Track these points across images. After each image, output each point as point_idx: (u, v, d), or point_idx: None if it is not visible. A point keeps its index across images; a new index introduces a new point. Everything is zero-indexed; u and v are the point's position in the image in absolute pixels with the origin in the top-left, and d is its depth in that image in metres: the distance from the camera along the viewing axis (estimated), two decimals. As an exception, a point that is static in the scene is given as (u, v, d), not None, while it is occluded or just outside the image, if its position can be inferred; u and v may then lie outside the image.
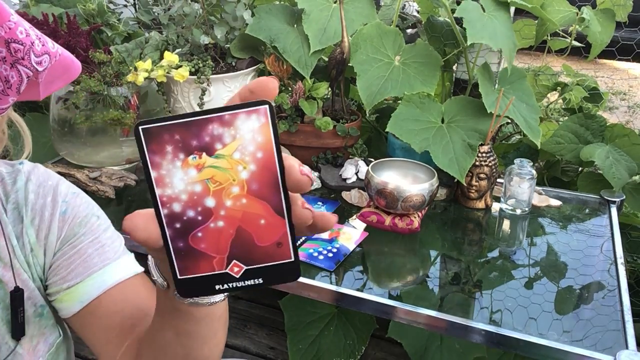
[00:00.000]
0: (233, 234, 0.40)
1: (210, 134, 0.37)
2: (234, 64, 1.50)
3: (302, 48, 1.46)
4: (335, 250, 1.17)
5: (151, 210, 0.39)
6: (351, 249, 1.18)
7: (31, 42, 0.53)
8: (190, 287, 0.41)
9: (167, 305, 0.53)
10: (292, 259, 0.41)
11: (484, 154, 1.32)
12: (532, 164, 1.33)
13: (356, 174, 1.46)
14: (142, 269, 0.76)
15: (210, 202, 0.39)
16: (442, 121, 1.39)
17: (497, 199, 1.40)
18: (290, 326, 1.69)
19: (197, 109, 1.43)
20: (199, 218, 0.39)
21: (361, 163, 1.47)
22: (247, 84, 1.40)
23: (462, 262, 1.17)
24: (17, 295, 0.70)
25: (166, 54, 1.39)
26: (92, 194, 1.36)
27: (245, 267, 0.41)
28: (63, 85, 0.62)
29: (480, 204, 1.37)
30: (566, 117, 1.59)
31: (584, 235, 1.28)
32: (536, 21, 1.57)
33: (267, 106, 0.37)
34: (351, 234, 1.23)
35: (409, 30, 1.91)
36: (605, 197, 1.41)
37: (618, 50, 1.72)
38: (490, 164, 1.32)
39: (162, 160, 0.38)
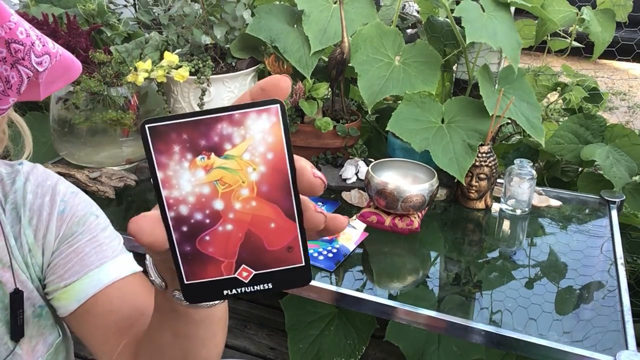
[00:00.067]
0: (242, 238, 0.38)
1: (219, 133, 0.36)
2: (234, 64, 1.50)
3: (303, 48, 1.46)
4: (335, 250, 1.17)
5: (157, 213, 0.38)
6: (351, 249, 1.18)
7: (31, 43, 0.53)
8: (197, 293, 0.40)
9: (165, 306, 0.51)
10: (303, 264, 0.40)
11: (484, 154, 1.32)
12: (532, 164, 1.33)
13: (356, 174, 1.46)
14: (140, 268, 0.76)
15: (218, 205, 0.37)
16: (442, 121, 1.39)
17: (497, 199, 1.40)
18: (291, 326, 1.69)
19: (197, 109, 1.43)
20: (207, 221, 0.38)
21: (361, 163, 1.47)
22: (248, 83, 1.39)
23: (462, 263, 1.17)
24: (16, 297, 0.70)
25: (166, 54, 1.39)
26: (92, 194, 1.36)
27: (254, 272, 0.39)
28: (63, 86, 0.62)
29: (480, 205, 1.37)
30: (566, 118, 1.59)
31: (584, 236, 1.28)
32: (536, 21, 1.57)
33: (278, 105, 0.36)
34: (351, 234, 1.23)
35: (408, 31, 1.91)
36: (605, 198, 1.41)
37: (618, 50, 1.72)
38: (490, 164, 1.32)
39: (169, 161, 0.36)
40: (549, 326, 0.97)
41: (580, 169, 1.61)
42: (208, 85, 1.41)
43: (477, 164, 1.31)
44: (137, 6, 1.93)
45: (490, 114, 1.32)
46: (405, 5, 1.96)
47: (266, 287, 0.40)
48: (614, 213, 1.36)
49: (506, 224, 1.34)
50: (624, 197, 1.42)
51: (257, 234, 0.38)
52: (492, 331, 0.95)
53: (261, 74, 1.63)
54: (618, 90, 4.21)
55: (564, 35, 1.64)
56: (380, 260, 1.19)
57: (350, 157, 1.54)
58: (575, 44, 1.63)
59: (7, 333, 0.70)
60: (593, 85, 1.65)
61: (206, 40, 1.45)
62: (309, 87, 1.48)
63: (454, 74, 1.67)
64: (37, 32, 0.54)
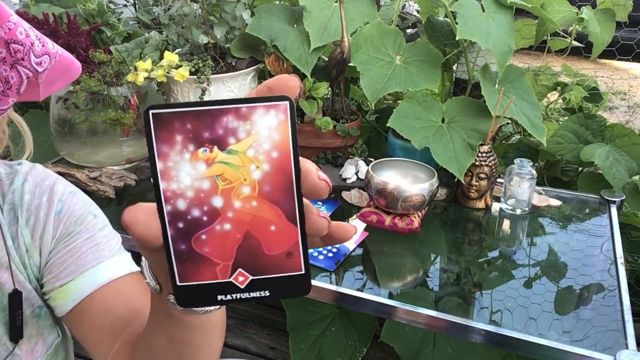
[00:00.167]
0: (240, 239, 0.36)
1: (224, 126, 0.34)
2: (234, 63, 1.50)
3: (303, 47, 1.45)
4: (335, 250, 1.17)
5: (154, 205, 0.36)
6: (351, 249, 1.18)
7: (31, 43, 0.53)
8: (190, 296, 0.38)
9: (160, 310, 0.50)
10: (303, 272, 0.38)
11: (484, 154, 1.32)
12: (532, 164, 1.33)
13: (356, 174, 1.46)
14: (137, 268, 0.75)
15: (217, 202, 0.35)
16: (443, 121, 1.39)
17: (497, 199, 1.40)
18: (292, 325, 1.69)
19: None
20: (205, 219, 0.36)
21: (361, 163, 1.47)
22: (248, 82, 1.38)
23: (462, 262, 1.17)
24: (15, 298, 0.70)
25: (166, 53, 1.39)
26: (92, 194, 1.36)
27: (251, 277, 0.37)
28: (63, 86, 0.62)
29: (480, 204, 1.37)
30: (566, 117, 1.59)
31: (584, 235, 1.28)
32: (536, 21, 1.57)
33: (287, 102, 0.35)
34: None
35: (409, 30, 1.91)
36: (605, 197, 1.41)
37: (618, 50, 1.72)
38: (490, 164, 1.32)
39: (170, 151, 0.34)
40: (549, 326, 0.97)
41: (580, 168, 1.61)
42: (208, 84, 1.41)
43: (477, 163, 1.31)
44: (137, 6, 1.93)
45: (493, 114, 1.32)
46: (405, 4, 1.96)
47: (263, 294, 0.38)
48: (614, 213, 1.36)
49: (506, 224, 1.34)
50: (624, 196, 1.42)
51: (256, 236, 0.36)
52: (492, 331, 0.95)
53: (261, 74, 1.63)
54: (618, 90, 4.21)
55: (564, 35, 1.64)
56: (380, 259, 1.19)
57: (350, 156, 1.54)
58: (575, 43, 1.63)
59: (6, 334, 0.70)
60: (593, 85, 1.65)
61: (206, 40, 1.45)
62: (309, 87, 1.48)
63: (454, 74, 1.67)
64: (37, 32, 0.54)
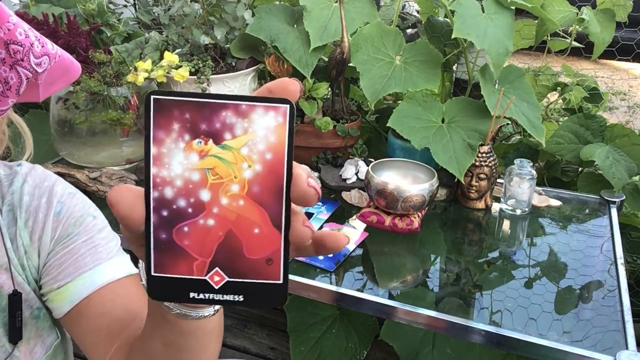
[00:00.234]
0: (222, 237, 0.36)
1: (222, 120, 0.34)
2: (234, 64, 1.50)
3: (303, 47, 1.45)
4: (335, 250, 1.17)
5: (142, 189, 0.36)
6: (351, 249, 1.18)
7: (30, 44, 0.53)
8: (162, 289, 0.37)
9: (156, 314, 0.50)
10: (281, 281, 0.37)
11: (484, 154, 1.32)
12: (532, 164, 1.33)
13: (356, 174, 1.46)
14: (136, 270, 0.75)
15: (205, 195, 0.35)
16: (443, 121, 1.39)
17: (497, 199, 1.40)
18: (293, 327, 1.69)
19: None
20: (189, 210, 0.35)
21: (361, 163, 1.47)
22: (248, 82, 1.38)
23: (462, 263, 1.17)
24: (15, 299, 0.70)
25: (166, 54, 1.39)
26: (92, 194, 1.36)
27: (227, 279, 0.37)
28: (63, 87, 0.62)
29: (480, 204, 1.37)
30: (566, 117, 1.59)
31: (584, 236, 1.28)
32: (536, 21, 1.57)
33: (288, 106, 0.35)
34: (351, 234, 1.23)
35: (409, 30, 1.91)
36: (605, 198, 1.41)
37: (618, 50, 1.72)
38: (490, 164, 1.32)
39: (166, 137, 0.35)
40: (549, 326, 0.97)
41: (580, 169, 1.61)
42: (208, 85, 1.41)
43: (477, 163, 1.31)
44: (137, 6, 1.93)
45: (492, 114, 1.32)
46: (405, 5, 1.96)
47: (237, 299, 0.37)
48: (614, 213, 1.36)
49: (506, 224, 1.34)
50: (624, 197, 1.42)
51: (238, 236, 0.36)
52: (492, 331, 0.95)
53: (261, 74, 1.63)
54: (618, 90, 4.21)
55: (564, 35, 1.64)
56: (380, 260, 1.19)
57: (350, 157, 1.54)
58: (575, 44, 1.63)
59: (5, 335, 0.70)
60: (593, 85, 1.65)
61: (206, 40, 1.45)
62: (309, 87, 1.48)
63: (454, 74, 1.67)
64: (36, 33, 0.54)
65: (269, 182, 0.35)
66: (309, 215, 1.31)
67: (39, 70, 0.54)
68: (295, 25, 1.51)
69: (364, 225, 1.28)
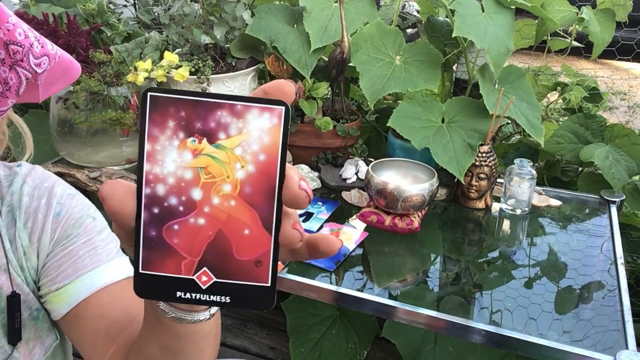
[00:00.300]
0: (211, 237, 0.36)
1: (217, 120, 0.34)
2: (234, 64, 1.50)
3: (302, 48, 1.45)
4: (335, 250, 1.17)
5: (134, 185, 0.36)
6: (351, 249, 1.18)
7: (30, 44, 0.52)
8: (149, 286, 0.37)
9: (151, 317, 0.49)
10: (269, 284, 0.37)
11: (484, 154, 1.32)
12: (532, 164, 1.33)
13: (356, 174, 1.46)
14: None
15: (196, 194, 0.35)
16: (443, 121, 1.39)
17: (497, 199, 1.40)
18: (293, 328, 1.69)
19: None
20: (180, 209, 0.35)
21: (361, 163, 1.47)
22: (248, 82, 1.38)
23: (462, 262, 1.17)
24: (13, 300, 0.69)
25: (166, 54, 1.39)
26: (92, 194, 1.36)
27: (214, 279, 0.36)
28: (62, 87, 0.62)
29: (480, 204, 1.37)
30: (566, 117, 1.59)
31: (584, 235, 1.28)
32: (536, 21, 1.57)
33: (283, 108, 0.35)
34: (351, 234, 1.23)
35: (409, 30, 1.91)
36: (605, 197, 1.41)
37: (618, 50, 1.72)
38: (490, 164, 1.32)
39: (161, 135, 0.35)
40: (549, 326, 0.97)
41: (580, 168, 1.61)
42: (208, 85, 1.41)
43: (477, 163, 1.31)
44: (137, 6, 1.93)
45: (490, 113, 1.32)
46: (405, 4, 1.96)
47: (223, 300, 0.37)
48: (614, 213, 1.36)
49: (506, 224, 1.34)
50: (624, 196, 1.42)
51: (228, 237, 0.36)
52: (492, 331, 0.95)
53: (261, 74, 1.63)
54: (618, 90, 4.21)
55: (564, 35, 1.64)
56: (380, 260, 1.19)
57: (350, 156, 1.54)
58: (575, 43, 1.63)
59: (4, 336, 0.70)
60: (593, 85, 1.65)
61: (206, 40, 1.45)
62: (309, 87, 1.48)
63: (454, 74, 1.67)
64: (36, 33, 0.54)
65: (261, 183, 0.35)
66: (309, 215, 1.31)
67: (39, 71, 0.54)
68: (295, 26, 1.50)
69: (364, 225, 1.28)
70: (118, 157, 1.48)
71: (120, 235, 0.39)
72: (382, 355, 1.92)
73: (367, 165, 1.37)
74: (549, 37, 1.61)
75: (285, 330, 1.70)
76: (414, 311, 1.00)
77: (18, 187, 0.73)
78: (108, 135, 1.43)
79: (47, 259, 0.73)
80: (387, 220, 1.26)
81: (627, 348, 0.90)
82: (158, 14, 1.50)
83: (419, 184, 1.23)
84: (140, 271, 0.36)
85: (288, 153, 1.50)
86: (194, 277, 0.36)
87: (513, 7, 1.40)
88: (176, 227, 0.36)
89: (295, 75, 1.53)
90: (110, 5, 1.78)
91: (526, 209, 1.35)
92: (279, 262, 0.39)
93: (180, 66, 1.38)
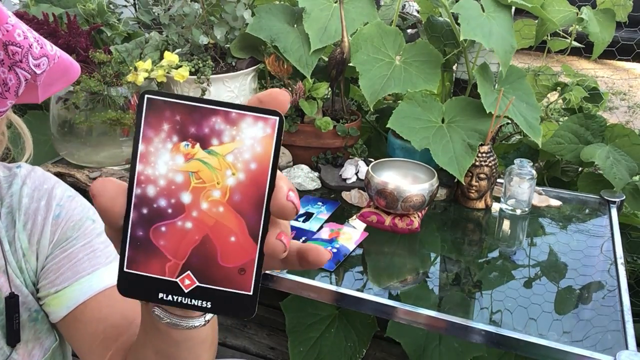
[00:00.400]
0: (197, 242, 0.36)
1: (211, 126, 0.35)
2: (234, 64, 1.50)
3: (303, 47, 1.45)
4: (335, 250, 1.17)
5: (125, 184, 0.36)
6: (351, 249, 1.18)
7: (29, 45, 0.52)
8: (132, 286, 0.37)
9: (147, 322, 0.49)
10: (251, 293, 0.37)
11: (484, 154, 1.32)
12: (532, 164, 1.33)
13: (356, 174, 1.46)
14: None
15: (186, 198, 0.36)
16: (443, 121, 1.39)
17: (497, 199, 1.40)
18: (291, 328, 1.69)
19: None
20: (169, 211, 0.36)
21: (361, 163, 1.47)
22: (248, 82, 1.38)
23: (462, 262, 1.17)
24: (12, 301, 0.69)
25: (166, 54, 1.39)
26: (92, 194, 1.36)
27: (197, 283, 0.37)
28: (62, 88, 0.62)
29: (480, 204, 1.37)
30: (566, 117, 1.59)
31: (584, 236, 1.28)
32: (536, 21, 1.57)
33: (277, 118, 0.35)
34: (351, 234, 1.23)
35: (409, 30, 1.91)
36: (605, 198, 1.41)
37: (618, 50, 1.72)
38: (490, 164, 1.32)
39: (155, 137, 0.35)
40: (549, 326, 0.97)
41: (580, 168, 1.61)
42: (208, 85, 1.41)
43: (477, 163, 1.31)
44: (137, 6, 1.93)
45: (487, 112, 1.32)
46: (405, 4, 1.96)
47: (204, 305, 0.37)
48: (614, 213, 1.36)
49: (506, 224, 1.34)
50: (624, 197, 1.42)
51: (214, 242, 0.36)
52: (492, 331, 0.95)
53: (261, 74, 1.63)
54: (618, 90, 4.21)
55: (564, 35, 1.64)
56: (380, 260, 1.19)
57: (350, 157, 1.54)
58: (575, 43, 1.63)
59: (3, 338, 0.70)
60: (593, 85, 1.65)
61: (206, 40, 1.45)
62: (309, 87, 1.48)
63: (454, 74, 1.67)
64: (35, 34, 0.54)
65: (250, 191, 0.36)
66: (310, 215, 1.31)
67: (38, 72, 0.54)
68: (295, 25, 1.50)
69: (364, 225, 1.28)
70: (118, 157, 1.48)
71: (108, 233, 0.39)
72: (382, 355, 1.92)
73: (367, 165, 1.37)
74: (549, 37, 1.61)
75: (285, 330, 1.70)
76: (414, 311, 1.00)
77: (18, 188, 0.73)
78: (108, 135, 1.43)
79: (46, 261, 0.72)
80: (387, 220, 1.26)
81: (627, 348, 0.90)
82: (158, 14, 1.50)
83: (419, 184, 1.23)
84: (125, 270, 0.37)
85: (288, 153, 1.51)
86: (177, 280, 0.37)
87: (511, 5, 1.40)
88: (163, 229, 0.36)
89: (295, 75, 1.53)
90: (110, 6, 1.78)
91: (526, 209, 1.35)
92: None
93: (180, 66, 1.38)
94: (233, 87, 1.46)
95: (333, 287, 1.06)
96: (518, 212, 1.35)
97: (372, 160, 1.40)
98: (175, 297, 0.37)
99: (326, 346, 1.67)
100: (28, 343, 0.72)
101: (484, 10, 1.37)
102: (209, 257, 0.36)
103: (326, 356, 1.65)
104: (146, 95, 0.35)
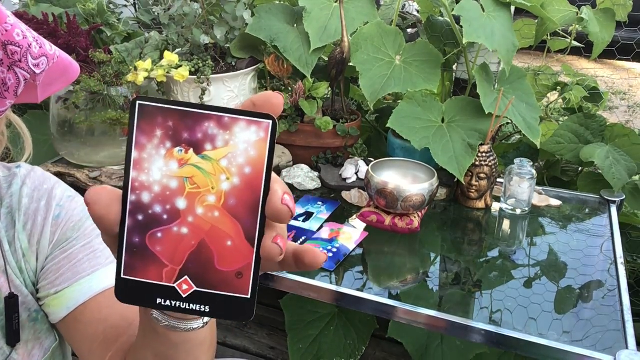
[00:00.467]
0: (194, 247, 0.36)
1: (204, 131, 0.35)
2: (234, 63, 1.50)
3: (303, 47, 1.45)
4: (335, 250, 1.17)
5: (120, 192, 0.36)
6: (351, 249, 1.18)
7: (28, 45, 0.52)
8: (130, 292, 0.37)
9: (146, 324, 0.49)
10: (249, 296, 0.37)
11: (484, 154, 1.32)
12: (532, 163, 1.33)
13: (356, 174, 1.46)
14: None
15: (181, 204, 0.36)
16: (443, 121, 1.39)
17: (497, 199, 1.40)
18: (291, 325, 1.69)
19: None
20: (165, 217, 0.36)
21: (361, 163, 1.47)
22: (248, 82, 1.38)
23: (462, 262, 1.17)
24: (11, 302, 0.69)
25: (166, 53, 1.39)
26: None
27: (195, 288, 0.37)
28: (61, 88, 0.61)
29: (480, 204, 1.37)
30: (566, 117, 1.59)
31: (584, 235, 1.28)
32: (536, 21, 1.57)
33: (270, 122, 0.35)
34: (351, 234, 1.23)
35: (409, 30, 1.91)
36: (605, 197, 1.41)
37: (618, 50, 1.71)
38: (490, 164, 1.32)
39: (148, 143, 0.35)
40: (549, 326, 0.97)
41: (580, 168, 1.61)
42: (208, 84, 1.41)
43: (477, 163, 1.31)
44: (137, 6, 1.93)
45: (487, 112, 1.32)
46: (405, 4, 1.96)
47: (202, 309, 0.37)
48: (614, 212, 1.36)
49: (506, 224, 1.34)
50: (624, 196, 1.42)
51: (210, 247, 0.36)
52: (492, 331, 0.95)
53: (261, 74, 1.63)
54: (618, 90, 4.21)
55: (564, 34, 1.64)
56: (380, 259, 1.19)
57: (350, 156, 1.54)
58: (575, 43, 1.63)
59: (3, 338, 0.70)
60: (593, 84, 1.65)
61: (206, 40, 1.45)
62: (309, 87, 1.48)
63: (454, 74, 1.67)
64: (34, 33, 0.54)
65: (245, 196, 0.36)
66: (310, 215, 1.31)
67: (37, 72, 0.54)
68: (295, 25, 1.50)
69: (364, 225, 1.28)
70: (118, 157, 1.48)
71: (104, 240, 0.39)
72: (383, 355, 1.92)
73: (367, 165, 1.37)
74: (549, 37, 1.61)
75: (285, 330, 1.70)
76: (414, 311, 1.00)
77: (17, 188, 0.73)
78: (108, 135, 1.43)
79: (46, 261, 0.72)
80: (387, 220, 1.26)
81: (627, 348, 0.90)
82: (158, 14, 1.50)
83: (419, 184, 1.23)
84: (122, 276, 0.37)
85: (288, 153, 1.51)
86: (175, 285, 0.37)
87: (510, 4, 1.40)
88: (159, 234, 0.36)
89: (295, 75, 1.53)
90: (110, 5, 1.78)
91: (526, 208, 1.35)
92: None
93: (180, 66, 1.38)
94: (233, 87, 1.46)
95: (333, 287, 1.06)
96: (518, 211, 1.35)
97: (372, 160, 1.40)
98: (173, 302, 0.37)
99: (326, 343, 1.67)
100: (28, 343, 0.72)
101: (484, 10, 1.37)
102: (206, 261, 0.37)
103: (326, 353, 1.66)
104: (138, 102, 0.35)
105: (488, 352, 1.52)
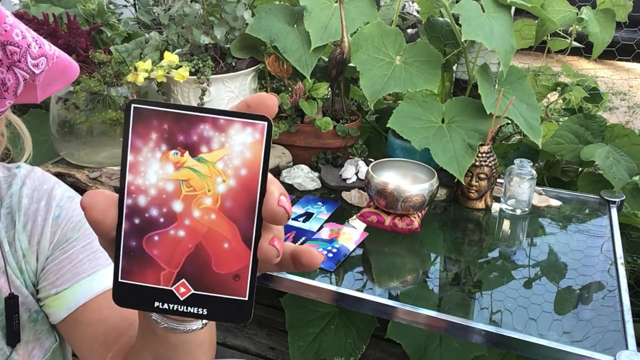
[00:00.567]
0: (191, 250, 0.36)
1: (199, 133, 0.35)
2: (234, 64, 1.50)
3: (303, 47, 1.46)
4: (335, 250, 1.17)
5: (116, 195, 0.36)
6: (351, 249, 1.18)
7: (27, 45, 0.52)
8: (128, 296, 0.37)
9: (145, 326, 0.49)
10: (246, 299, 0.37)
11: (484, 154, 1.32)
12: (532, 164, 1.33)
13: (356, 174, 1.46)
14: None
15: (177, 207, 0.36)
16: (443, 121, 1.39)
17: (497, 199, 1.40)
18: (291, 324, 1.69)
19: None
20: (161, 220, 0.36)
21: (361, 163, 1.47)
22: (248, 82, 1.38)
23: (462, 262, 1.17)
24: (11, 302, 0.69)
25: (166, 54, 1.39)
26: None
27: (192, 291, 0.37)
28: (61, 88, 0.61)
29: (480, 204, 1.36)
30: (566, 118, 1.59)
31: (584, 236, 1.28)
32: (536, 21, 1.57)
33: (265, 123, 0.35)
34: (351, 234, 1.23)
35: (409, 30, 1.91)
36: (605, 198, 1.41)
37: (618, 50, 1.71)
38: (490, 164, 1.32)
39: (143, 146, 0.35)
40: (549, 326, 0.97)
41: (580, 169, 1.61)
42: (208, 85, 1.41)
43: (477, 163, 1.31)
44: (137, 6, 1.93)
45: (488, 113, 1.32)
46: (405, 4, 1.96)
47: (200, 312, 0.37)
48: (614, 213, 1.36)
49: (506, 224, 1.34)
50: (624, 196, 1.42)
51: (207, 250, 0.36)
52: (492, 331, 0.95)
53: (261, 74, 1.63)
54: (618, 90, 4.21)
55: (564, 35, 1.64)
56: (380, 260, 1.19)
57: (350, 157, 1.53)
58: (575, 44, 1.63)
59: (3, 338, 0.70)
60: (593, 85, 1.65)
61: (206, 40, 1.45)
62: (309, 87, 1.48)
63: (454, 74, 1.67)
64: (34, 33, 0.54)
65: (241, 197, 0.36)
66: (310, 215, 1.31)
67: (37, 72, 0.54)
68: (295, 25, 1.51)
69: (364, 225, 1.28)
70: (118, 157, 1.46)
71: (101, 244, 0.39)
72: (382, 355, 1.92)
73: (367, 165, 1.37)
74: (549, 38, 1.61)
75: (285, 330, 1.70)
76: (414, 311, 1.00)
77: (17, 189, 0.73)
78: (108, 135, 1.43)
79: (46, 262, 0.72)
80: (387, 220, 1.26)
81: (627, 348, 0.90)
82: (158, 14, 1.50)
83: (419, 184, 1.23)
84: (120, 280, 0.37)
85: (288, 153, 1.51)
86: (172, 288, 0.37)
87: (511, 5, 1.40)
88: (156, 238, 0.36)
89: (295, 75, 1.53)
90: (110, 6, 1.78)
91: (526, 209, 1.35)
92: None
93: (180, 66, 1.38)
94: (233, 87, 1.46)
95: (333, 287, 1.06)
96: (518, 212, 1.35)
97: (372, 160, 1.40)
98: (171, 306, 0.37)
99: (326, 342, 1.67)
100: (28, 343, 0.72)
101: (484, 11, 1.37)
102: (203, 264, 0.36)
103: (326, 352, 1.66)
104: (133, 105, 0.35)
105: (486, 354, 1.52)
